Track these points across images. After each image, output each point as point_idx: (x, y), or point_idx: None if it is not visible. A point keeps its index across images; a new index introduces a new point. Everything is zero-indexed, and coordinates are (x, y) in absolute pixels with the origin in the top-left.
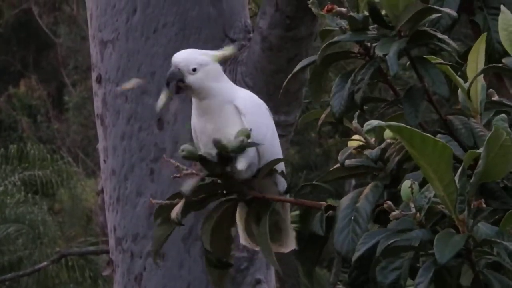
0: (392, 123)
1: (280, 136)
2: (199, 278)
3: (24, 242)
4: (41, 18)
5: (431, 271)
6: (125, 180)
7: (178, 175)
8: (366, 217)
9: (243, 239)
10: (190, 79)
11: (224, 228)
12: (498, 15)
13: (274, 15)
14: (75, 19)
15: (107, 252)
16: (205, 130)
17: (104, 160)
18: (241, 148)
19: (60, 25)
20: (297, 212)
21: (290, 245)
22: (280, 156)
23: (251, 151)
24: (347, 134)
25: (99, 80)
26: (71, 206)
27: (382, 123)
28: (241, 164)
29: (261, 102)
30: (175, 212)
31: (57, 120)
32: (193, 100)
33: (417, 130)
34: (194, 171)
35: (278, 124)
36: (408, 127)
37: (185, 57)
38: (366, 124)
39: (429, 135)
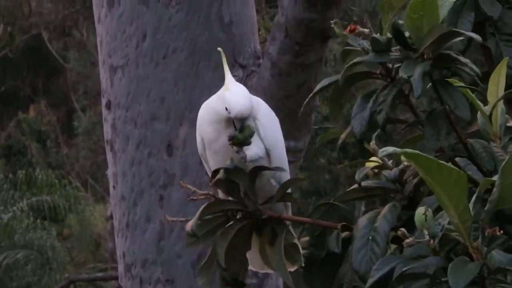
0: (408, 150)
1: (289, 162)
2: None
3: (33, 267)
4: (51, 44)
5: None
6: (134, 206)
7: (194, 198)
8: (384, 237)
9: (252, 265)
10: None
11: (239, 250)
12: (510, 41)
13: (284, 41)
14: (85, 45)
15: (116, 278)
16: (219, 137)
17: (114, 186)
18: (250, 132)
19: (70, 50)
20: (306, 238)
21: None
22: (288, 170)
23: (259, 143)
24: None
25: (108, 106)
26: (79, 231)
27: (397, 149)
28: (251, 152)
29: (273, 114)
30: (190, 225)
31: (67, 146)
32: (211, 114)
33: (433, 157)
34: (210, 193)
35: (287, 150)
36: (424, 154)
37: (248, 106)
38: (381, 150)
39: (444, 162)
